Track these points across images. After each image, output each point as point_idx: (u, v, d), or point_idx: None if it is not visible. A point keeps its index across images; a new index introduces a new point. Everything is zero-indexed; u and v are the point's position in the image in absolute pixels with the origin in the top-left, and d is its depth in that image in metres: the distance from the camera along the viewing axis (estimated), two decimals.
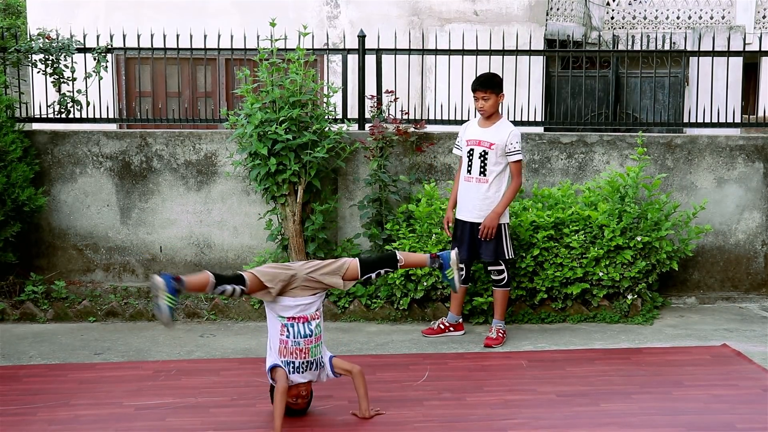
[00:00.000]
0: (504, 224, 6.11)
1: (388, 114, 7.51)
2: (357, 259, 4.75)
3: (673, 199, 7.36)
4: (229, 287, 4.40)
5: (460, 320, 6.42)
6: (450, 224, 6.28)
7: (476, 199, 6.09)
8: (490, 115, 6.09)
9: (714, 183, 7.58)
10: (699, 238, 7.19)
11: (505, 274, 6.18)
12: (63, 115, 7.73)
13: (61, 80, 7.69)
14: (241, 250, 7.55)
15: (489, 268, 6.20)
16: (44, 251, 7.59)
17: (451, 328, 6.37)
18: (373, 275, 4.75)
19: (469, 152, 6.14)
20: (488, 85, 6.03)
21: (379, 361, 5.70)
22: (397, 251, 5.00)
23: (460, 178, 6.25)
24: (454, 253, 4.95)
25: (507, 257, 6.18)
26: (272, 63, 7.01)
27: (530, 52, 8.45)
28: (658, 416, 4.63)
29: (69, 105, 7.70)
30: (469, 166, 6.13)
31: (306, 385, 4.57)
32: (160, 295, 4.22)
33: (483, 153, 6.06)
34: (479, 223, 6.08)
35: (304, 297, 4.52)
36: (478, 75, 6.22)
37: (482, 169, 6.06)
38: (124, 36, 7.95)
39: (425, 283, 6.67)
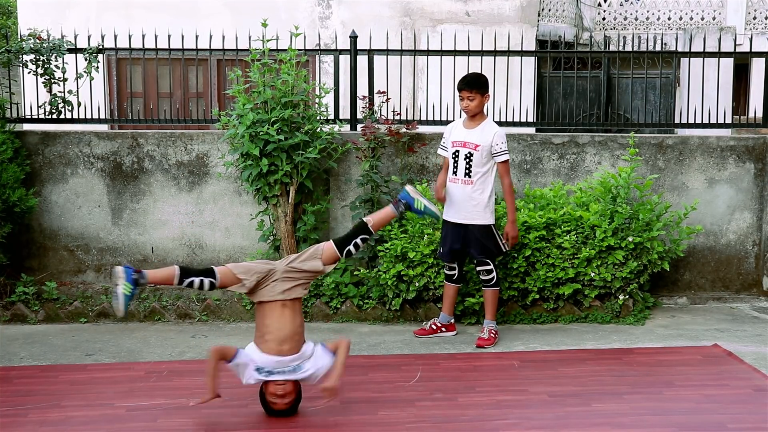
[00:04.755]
0: (491, 225, 6.14)
1: (380, 115, 7.51)
2: (330, 240, 4.84)
3: (664, 199, 7.39)
4: (197, 280, 4.54)
5: (452, 321, 6.42)
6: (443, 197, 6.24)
7: (462, 201, 6.10)
8: (475, 116, 6.10)
9: (705, 183, 7.60)
10: (690, 239, 7.21)
11: (494, 273, 6.19)
12: (54, 116, 7.72)
13: (52, 81, 7.67)
14: (233, 251, 7.54)
15: (478, 268, 6.20)
16: (35, 252, 7.57)
17: (443, 329, 6.37)
18: (351, 247, 4.80)
19: (454, 154, 6.14)
20: (474, 85, 6.02)
21: (371, 362, 5.69)
22: (364, 217, 5.11)
23: (446, 179, 6.25)
24: (408, 187, 5.14)
25: (504, 250, 6.22)
26: (264, 63, 7.00)
27: (522, 53, 8.46)
28: (650, 416, 4.64)
29: (60, 105, 7.68)
30: (455, 167, 6.14)
31: (283, 385, 4.54)
32: (118, 283, 4.43)
33: (468, 154, 6.07)
34: (466, 225, 6.10)
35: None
36: (464, 74, 6.22)
37: (467, 171, 6.07)
38: (115, 36, 7.94)
39: (417, 284, 6.67)
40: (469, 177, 6.07)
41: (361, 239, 4.83)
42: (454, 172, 6.14)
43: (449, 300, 6.38)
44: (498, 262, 6.36)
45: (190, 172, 7.54)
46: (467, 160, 6.07)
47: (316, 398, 4.83)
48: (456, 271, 6.30)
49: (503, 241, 6.20)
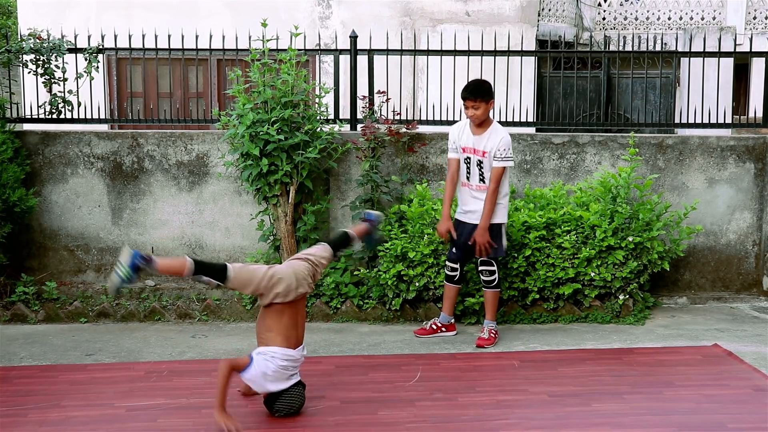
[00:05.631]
0: (502, 224, 6.13)
1: (380, 114, 7.51)
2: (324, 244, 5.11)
3: (664, 199, 7.38)
4: (205, 278, 4.54)
5: (452, 320, 6.42)
6: (451, 231, 6.19)
7: (477, 205, 6.09)
8: (482, 122, 6.08)
9: (705, 183, 7.60)
10: (690, 239, 7.21)
11: (497, 275, 6.18)
12: (54, 116, 7.72)
13: (52, 80, 7.67)
14: (233, 251, 7.54)
15: (480, 268, 6.19)
16: (35, 252, 7.57)
17: (443, 329, 6.37)
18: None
19: (466, 159, 6.11)
20: (478, 93, 5.95)
21: (371, 362, 5.69)
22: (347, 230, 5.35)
23: (457, 182, 6.21)
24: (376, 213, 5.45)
25: (503, 255, 6.20)
26: (264, 63, 7.00)
27: (522, 53, 8.45)
28: (650, 416, 4.64)
29: (60, 105, 7.68)
30: (468, 173, 6.12)
31: None
32: (118, 265, 4.38)
33: (479, 162, 6.05)
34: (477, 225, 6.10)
35: None
36: (467, 82, 6.16)
37: (481, 177, 6.05)
38: (115, 36, 7.94)
39: (417, 284, 6.67)
40: (484, 182, 6.05)
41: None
42: (468, 178, 6.12)
43: (450, 300, 6.37)
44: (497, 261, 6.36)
45: (190, 172, 7.54)
46: (479, 166, 6.05)
47: (316, 398, 4.84)
48: (458, 272, 6.29)
49: (503, 245, 6.19)
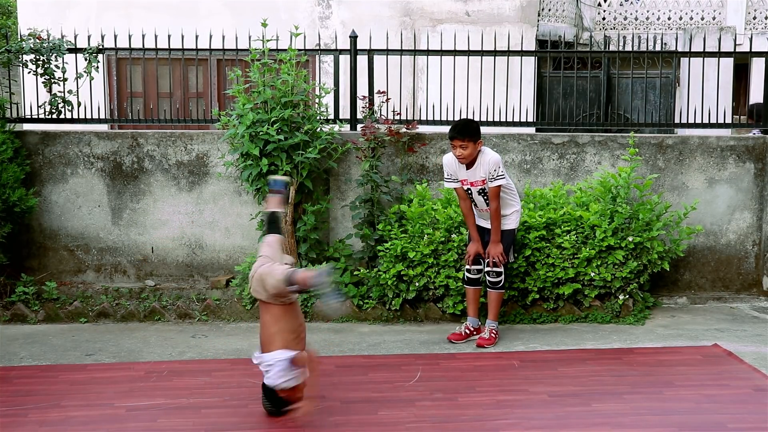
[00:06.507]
0: (513, 230, 6.17)
1: (380, 114, 7.51)
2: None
3: (664, 199, 7.38)
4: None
5: (480, 324, 6.35)
6: (480, 253, 6.21)
7: (489, 219, 6.15)
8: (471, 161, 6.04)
9: (705, 183, 7.60)
10: (690, 239, 7.21)
11: (503, 277, 6.16)
12: (54, 116, 7.72)
13: (52, 80, 7.67)
14: (233, 251, 7.54)
15: (488, 269, 6.17)
16: (35, 252, 7.57)
17: (475, 332, 6.29)
18: None
19: (467, 191, 6.12)
20: (466, 133, 5.90)
21: (371, 362, 5.69)
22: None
23: (474, 221, 6.21)
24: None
25: (510, 260, 6.23)
26: (264, 63, 7.00)
27: (522, 53, 8.46)
28: (650, 416, 4.64)
29: (60, 105, 7.68)
30: (474, 203, 6.15)
31: None
32: (330, 287, 4.36)
33: (481, 190, 6.05)
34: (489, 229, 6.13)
35: None
36: (454, 122, 6.15)
37: (487, 202, 6.06)
38: (115, 36, 7.94)
39: (417, 284, 6.67)
40: (489, 205, 6.08)
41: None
42: (475, 206, 6.16)
43: (475, 303, 6.31)
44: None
45: (190, 172, 7.54)
46: (482, 194, 6.05)
47: (316, 398, 4.83)
48: (482, 274, 6.26)
49: (511, 251, 6.23)
